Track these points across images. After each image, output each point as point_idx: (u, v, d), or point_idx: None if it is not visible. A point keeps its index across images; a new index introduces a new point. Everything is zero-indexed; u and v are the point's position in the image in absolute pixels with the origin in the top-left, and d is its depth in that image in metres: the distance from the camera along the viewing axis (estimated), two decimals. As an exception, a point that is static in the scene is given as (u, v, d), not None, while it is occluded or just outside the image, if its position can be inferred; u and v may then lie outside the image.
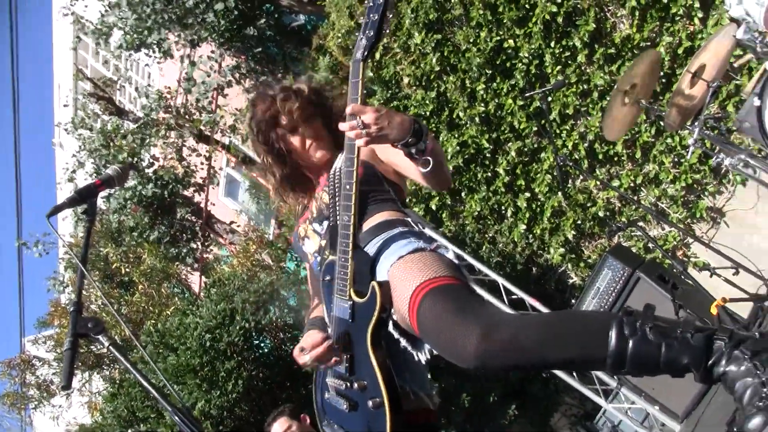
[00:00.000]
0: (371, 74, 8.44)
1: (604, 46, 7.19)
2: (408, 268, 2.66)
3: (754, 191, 6.81)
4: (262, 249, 9.37)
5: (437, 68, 8.06)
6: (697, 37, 6.75)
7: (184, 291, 12.26)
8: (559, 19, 7.24)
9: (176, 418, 2.27)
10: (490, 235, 8.36)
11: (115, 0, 9.20)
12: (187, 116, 10.28)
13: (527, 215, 7.97)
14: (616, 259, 6.20)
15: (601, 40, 7.24)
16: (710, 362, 2.16)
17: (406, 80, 8.37)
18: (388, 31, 2.66)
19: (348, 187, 2.70)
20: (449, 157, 8.10)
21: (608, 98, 6.97)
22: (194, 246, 11.53)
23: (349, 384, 2.80)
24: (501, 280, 7.23)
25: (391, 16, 2.62)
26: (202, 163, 10.65)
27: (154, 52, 9.69)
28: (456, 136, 8.10)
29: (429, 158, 2.67)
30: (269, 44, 9.31)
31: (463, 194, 8.34)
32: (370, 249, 2.84)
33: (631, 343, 2.20)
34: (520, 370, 2.39)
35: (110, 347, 2.64)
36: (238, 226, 11.51)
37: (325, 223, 3.00)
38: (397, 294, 2.65)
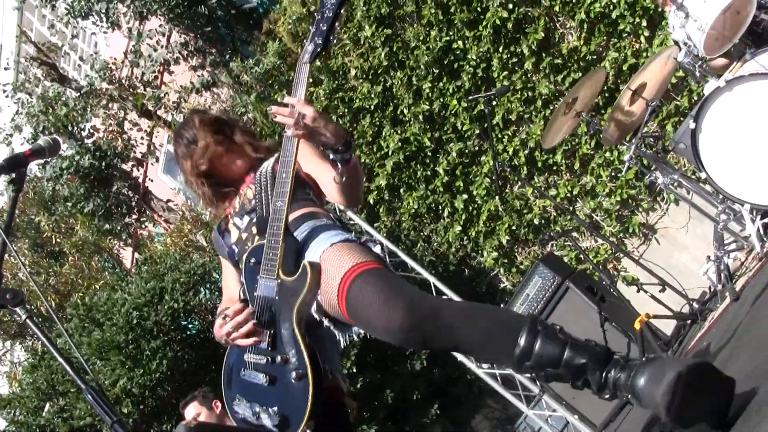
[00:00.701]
0: (318, 63, 8.40)
1: (551, 56, 7.27)
2: (338, 255, 2.75)
3: (686, 211, 6.95)
4: (197, 230, 9.28)
5: (385, 63, 8.06)
6: (642, 55, 6.86)
7: (114, 266, 12.11)
8: (509, 25, 7.30)
9: (89, 397, 2.25)
10: (425, 233, 8.40)
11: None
12: (131, 89, 10.12)
13: (463, 217, 8.02)
14: (547, 267, 6.27)
15: (549, 50, 7.33)
16: (606, 369, 2.33)
17: (353, 72, 8.35)
18: (335, 40, 2.77)
19: (284, 175, 2.79)
20: (390, 153, 8.12)
21: (552, 107, 7.10)
22: (129, 221, 11.37)
23: (270, 359, 2.81)
24: (433, 280, 7.27)
25: (338, 27, 2.76)
26: (142, 138, 10.47)
27: (101, 20, 9.52)
28: (399, 132, 8.12)
29: (347, 172, 2.88)
30: (219, 24, 9.21)
31: (401, 191, 8.36)
32: (298, 235, 2.93)
33: (540, 339, 2.39)
34: (438, 344, 2.51)
35: (27, 320, 2.60)
36: (175, 204, 11.37)
37: (246, 218, 3.10)
38: (327, 278, 2.72)
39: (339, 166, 2.85)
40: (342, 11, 2.78)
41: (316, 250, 2.83)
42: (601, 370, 2.33)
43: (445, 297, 2.82)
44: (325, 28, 2.74)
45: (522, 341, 2.40)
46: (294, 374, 2.72)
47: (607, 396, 2.36)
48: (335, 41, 2.76)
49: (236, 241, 3.11)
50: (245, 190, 3.16)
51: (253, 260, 2.91)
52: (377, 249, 2.91)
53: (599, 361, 2.35)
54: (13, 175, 2.78)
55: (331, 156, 2.83)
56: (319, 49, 2.76)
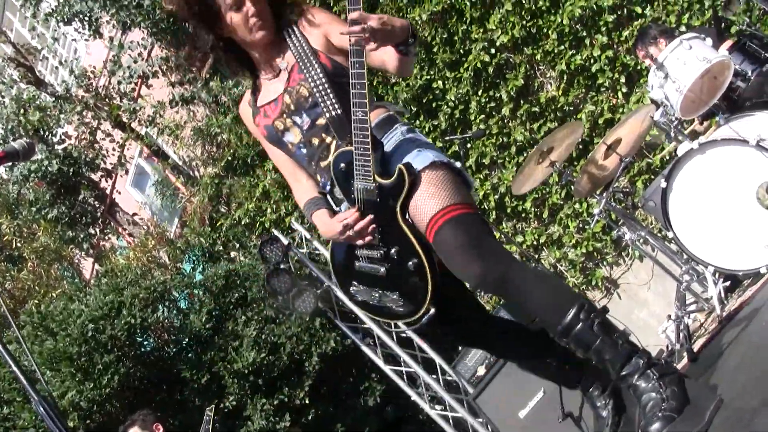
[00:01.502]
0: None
1: (529, 103, 7.34)
2: (434, 186, 2.93)
3: (649, 268, 7.00)
4: (161, 246, 9.21)
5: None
6: (619, 111, 6.95)
7: (74, 275, 11.95)
8: (490, 69, 7.36)
9: (40, 409, 2.21)
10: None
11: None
12: (107, 99, 10.07)
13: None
14: (507, 312, 6.27)
15: (527, 97, 7.39)
16: (624, 370, 2.74)
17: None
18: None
19: (359, 86, 2.84)
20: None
21: (525, 154, 7.14)
22: (92, 231, 11.25)
23: (382, 252, 3.03)
24: (438, 360, 7.23)
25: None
26: (114, 149, 10.40)
27: (83, 27, 9.46)
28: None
29: (410, 58, 2.99)
30: (201, 45, 9.19)
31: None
32: (386, 144, 3.10)
33: (580, 325, 2.77)
34: (503, 296, 3.31)
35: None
36: (141, 219, 11.29)
37: (305, 116, 3.13)
38: (419, 208, 2.93)
39: (406, 55, 2.95)
40: None
41: (412, 161, 2.98)
42: (620, 369, 2.75)
43: (519, 261, 3.04)
44: None
45: (567, 320, 2.77)
46: (410, 264, 2.97)
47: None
48: None
49: (301, 142, 3.18)
50: (296, 87, 3.12)
51: (342, 165, 3.04)
52: (459, 165, 3.09)
53: (617, 361, 2.75)
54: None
55: (401, 49, 2.92)
56: None
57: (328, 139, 3.12)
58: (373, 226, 3.01)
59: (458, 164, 3.11)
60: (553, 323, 2.82)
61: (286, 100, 3.16)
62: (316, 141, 3.15)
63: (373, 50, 2.79)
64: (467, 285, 3.02)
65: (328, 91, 3.03)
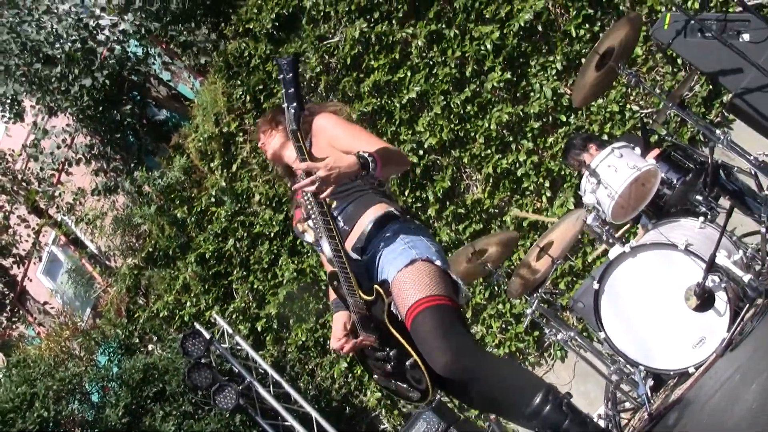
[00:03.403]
0: (224, 184, 8.43)
1: (455, 205, 7.46)
2: (409, 280, 3.16)
3: (570, 369, 7.13)
4: (75, 337, 8.97)
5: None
6: (543, 214, 7.12)
7: (-22, 365, 11.51)
8: (417, 170, 7.49)
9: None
10: (311, 366, 8.32)
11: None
12: (24, 183, 9.90)
13: (350, 355, 7.97)
14: (433, 412, 6.29)
15: (453, 199, 7.52)
16: None
17: (257, 197, 8.40)
18: (306, 98, 3.07)
19: (324, 222, 3.21)
20: (284, 282, 8.11)
21: (451, 254, 7.24)
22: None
23: (385, 354, 3.33)
24: (315, 414, 7.22)
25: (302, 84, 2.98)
26: (29, 235, 10.19)
27: (4, 110, 9.34)
28: (295, 262, 8.14)
29: (381, 175, 3.28)
30: (128, 132, 9.17)
31: (291, 321, 8.30)
32: (366, 256, 3.38)
33: (548, 406, 2.97)
34: (469, 388, 3.22)
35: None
36: (52, 307, 10.99)
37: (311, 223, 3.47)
38: (400, 298, 3.16)
39: (371, 177, 3.25)
40: (300, 68, 3.03)
41: (389, 272, 3.23)
42: None
43: (485, 352, 3.34)
44: (292, 89, 3.06)
45: (536, 402, 2.97)
46: (408, 364, 3.23)
47: None
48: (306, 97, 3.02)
49: (316, 241, 3.47)
50: (299, 200, 3.51)
51: (335, 282, 3.38)
52: (439, 262, 3.27)
53: None
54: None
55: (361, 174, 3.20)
56: (299, 111, 3.06)
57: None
58: (370, 338, 3.34)
59: (439, 261, 3.29)
60: (522, 407, 3.01)
61: (302, 209, 3.55)
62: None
63: (327, 195, 3.08)
64: (435, 370, 3.15)
65: (315, 210, 3.24)
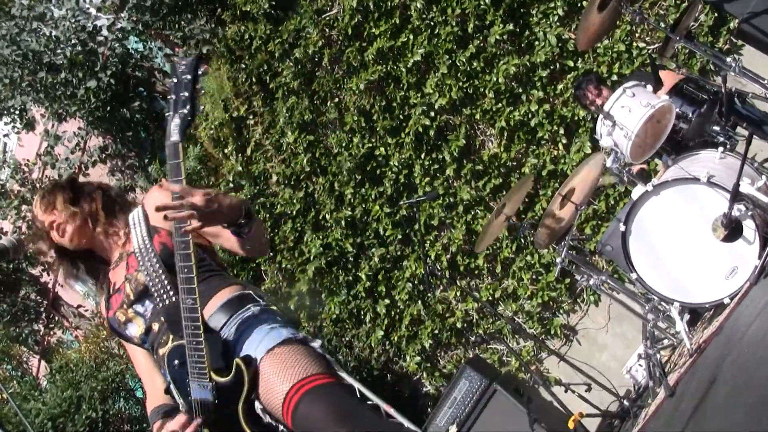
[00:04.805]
0: (240, 168, 8.44)
1: (472, 162, 7.46)
2: (281, 363, 2.65)
3: (605, 312, 7.15)
4: (112, 336, 9.07)
5: (307, 169, 8.14)
6: (561, 162, 7.12)
7: (23, 374, 11.66)
8: (431, 132, 7.48)
9: None
10: (347, 339, 8.37)
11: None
12: (43, 191, 9.95)
13: (386, 322, 8.04)
14: (474, 370, 6.34)
15: (470, 156, 7.51)
16: None
17: (274, 178, 8.41)
18: (201, 108, 2.64)
19: (186, 270, 2.62)
20: (312, 258, 8.14)
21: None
22: (36, 327, 11.03)
23: None
24: (357, 385, 7.25)
25: (201, 90, 2.60)
26: (54, 242, 10.24)
27: (14, 121, 9.38)
28: (320, 237, 8.16)
29: (250, 240, 2.79)
30: (139, 128, 9.19)
31: (323, 296, 8.35)
32: (226, 331, 2.81)
33: None
34: None
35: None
36: (86, 310, 11.09)
37: (148, 303, 2.95)
38: (270, 389, 2.63)
39: (242, 236, 2.75)
40: (200, 72, 2.60)
41: (252, 350, 2.71)
42: None
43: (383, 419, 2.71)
44: (186, 95, 2.55)
45: None
46: None
47: None
48: (200, 108, 2.62)
49: (145, 332, 2.96)
50: (133, 275, 2.96)
51: (176, 362, 2.76)
52: (317, 344, 2.81)
53: None
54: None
55: (232, 230, 2.73)
56: (188, 120, 2.54)
57: (167, 329, 2.88)
58: None
59: (317, 342, 2.83)
60: None
61: (126, 290, 3.00)
62: (156, 326, 2.94)
63: (196, 230, 2.56)
64: None
65: (162, 276, 2.82)
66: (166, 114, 2.57)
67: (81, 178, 3.44)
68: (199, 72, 2.60)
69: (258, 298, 2.96)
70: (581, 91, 6.06)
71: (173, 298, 2.76)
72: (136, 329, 2.99)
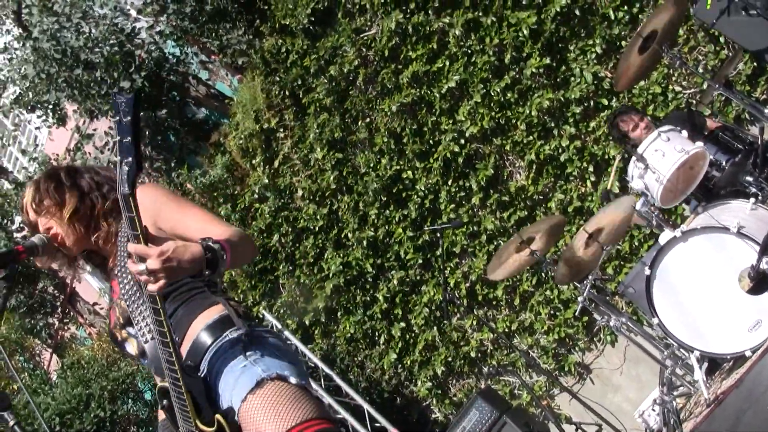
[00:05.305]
0: (266, 181, 8.47)
1: (498, 193, 7.45)
2: (262, 411, 2.49)
3: (621, 353, 7.11)
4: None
5: (333, 186, 8.15)
6: (588, 199, 7.09)
7: (35, 367, 11.70)
8: (460, 160, 7.48)
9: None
10: (360, 358, 8.36)
11: (21, 54, 8.97)
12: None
13: (399, 345, 8.02)
14: (485, 401, 6.31)
15: (497, 187, 7.51)
16: None
17: (300, 192, 8.42)
18: (144, 151, 2.44)
19: (159, 323, 2.48)
20: (331, 275, 8.14)
21: (496, 243, 7.25)
22: (51, 321, 11.07)
23: None
24: (366, 406, 7.25)
25: (143, 128, 2.37)
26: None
27: (47, 115, 9.44)
28: (341, 255, 8.16)
29: (227, 269, 2.56)
30: (169, 133, 9.24)
31: (339, 314, 8.35)
32: (203, 370, 2.67)
33: None
34: None
35: (15, 427, 2.52)
36: (101, 308, 11.12)
37: (134, 330, 2.78)
38: None
39: (217, 274, 2.51)
40: (140, 115, 2.38)
41: (228, 397, 2.57)
42: None
43: None
44: (129, 139, 2.32)
45: None
46: None
47: None
48: (144, 153, 2.35)
49: (141, 354, 2.81)
50: (118, 301, 2.83)
51: (165, 402, 2.69)
52: (294, 378, 2.60)
53: None
54: (5, 271, 2.74)
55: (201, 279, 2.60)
56: (134, 170, 2.32)
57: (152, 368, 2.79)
58: None
59: (294, 378, 2.61)
60: None
61: (116, 312, 2.89)
62: (150, 349, 2.76)
63: (160, 289, 2.36)
64: None
65: (141, 311, 2.68)
66: (116, 159, 2.36)
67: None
68: (140, 111, 2.38)
69: (234, 318, 2.75)
70: (617, 119, 5.98)
71: (150, 336, 2.66)
72: (132, 348, 2.87)
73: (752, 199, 4.86)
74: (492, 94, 7.30)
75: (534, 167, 7.31)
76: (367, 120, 8.04)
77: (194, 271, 2.41)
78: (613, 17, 6.82)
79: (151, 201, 2.72)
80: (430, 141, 7.68)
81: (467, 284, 7.66)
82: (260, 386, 2.51)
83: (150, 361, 2.73)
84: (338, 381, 7.54)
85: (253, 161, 8.67)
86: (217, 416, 2.52)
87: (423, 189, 7.69)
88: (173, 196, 2.81)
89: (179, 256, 2.35)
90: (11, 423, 2.49)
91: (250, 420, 2.48)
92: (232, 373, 2.57)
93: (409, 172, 7.76)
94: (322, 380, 7.58)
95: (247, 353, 2.62)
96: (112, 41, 8.59)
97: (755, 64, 6.40)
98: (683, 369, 5.19)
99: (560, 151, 7.14)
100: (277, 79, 8.46)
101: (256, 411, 2.47)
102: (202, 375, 2.64)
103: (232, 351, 2.64)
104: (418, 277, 7.97)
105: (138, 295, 2.65)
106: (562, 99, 7.06)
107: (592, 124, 7.07)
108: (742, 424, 3.60)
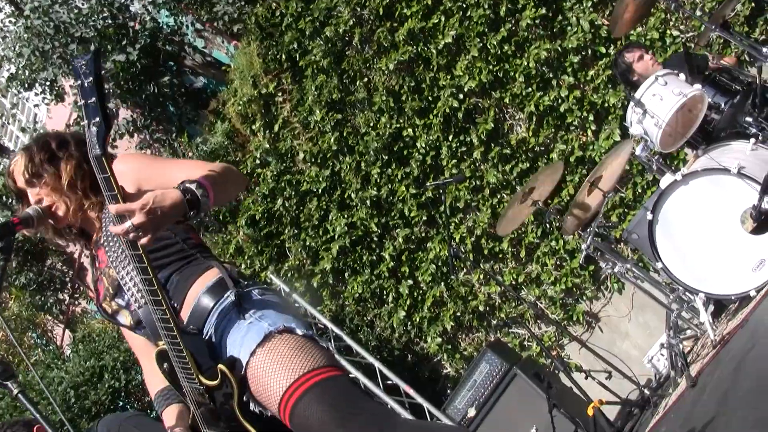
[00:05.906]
0: (267, 145, 8.46)
1: (499, 146, 7.43)
2: (270, 362, 2.50)
3: (628, 300, 7.13)
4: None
5: (334, 147, 8.13)
6: (589, 148, 7.08)
7: (47, 343, 11.79)
8: (460, 115, 7.45)
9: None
10: (369, 318, 8.40)
11: (14, 32, 8.94)
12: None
13: (408, 302, 8.05)
14: (494, 353, 6.32)
15: (498, 140, 7.49)
16: None
17: (301, 155, 8.41)
18: (114, 110, 2.42)
19: (148, 283, 2.49)
20: (336, 237, 8.15)
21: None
22: (61, 297, 11.13)
23: None
24: (378, 365, 7.28)
25: (109, 92, 2.33)
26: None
27: (45, 92, 9.43)
28: (345, 216, 8.17)
29: (213, 206, 2.57)
30: (168, 103, 9.21)
31: (346, 275, 8.37)
32: (209, 327, 2.68)
33: None
34: None
35: (20, 395, 2.55)
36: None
37: (127, 297, 2.78)
38: (265, 391, 2.51)
39: (202, 211, 2.53)
40: (102, 74, 2.37)
41: (236, 351, 2.58)
42: None
43: (396, 420, 2.38)
44: (93, 100, 2.33)
45: None
46: None
47: None
48: (115, 112, 2.35)
49: (136, 324, 2.82)
50: (106, 270, 2.82)
51: (166, 365, 2.69)
52: (300, 331, 2.61)
53: None
54: (1, 243, 2.75)
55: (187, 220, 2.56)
56: (103, 131, 2.34)
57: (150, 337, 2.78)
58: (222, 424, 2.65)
59: (300, 329, 2.63)
60: None
61: (105, 283, 2.86)
62: (146, 318, 2.75)
63: (149, 242, 2.38)
64: None
65: (131, 277, 2.68)
66: (82, 123, 2.36)
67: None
68: (102, 69, 2.37)
69: (231, 280, 2.74)
70: (624, 51, 5.93)
71: (143, 303, 2.66)
72: (125, 319, 2.86)
73: (752, 140, 4.84)
74: (489, 47, 7.26)
75: (534, 119, 7.29)
76: (365, 79, 8.00)
77: (179, 214, 2.41)
78: (607, -37, 6.77)
79: (130, 167, 2.75)
80: (429, 97, 7.65)
81: (472, 239, 7.67)
82: (268, 339, 2.54)
83: (147, 328, 2.73)
84: (348, 341, 7.57)
85: (253, 127, 8.65)
86: (220, 366, 2.52)
87: (424, 146, 7.67)
88: (153, 157, 2.82)
89: (160, 204, 2.35)
90: (15, 392, 2.52)
91: (260, 372, 2.50)
92: (238, 331, 2.60)
93: (410, 130, 7.74)
94: (332, 341, 7.62)
95: (251, 312, 2.64)
96: (105, 14, 8.55)
97: (753, 4, 6.35)
98: (689, 312, 5.20)
99: (560, 101, 7.11)
100: (273, 43, 8.42)
101: (266, 362, 2.50)
102: (207, 337, 2.65)
103: (236, 311, 2.65)
104: (423, 234, 7.99)
105: (127, 259, 2.61)
106: (560, 49, 7.02)
107: (591, 72, 7.03)
108: (746, 364, 3.62)
